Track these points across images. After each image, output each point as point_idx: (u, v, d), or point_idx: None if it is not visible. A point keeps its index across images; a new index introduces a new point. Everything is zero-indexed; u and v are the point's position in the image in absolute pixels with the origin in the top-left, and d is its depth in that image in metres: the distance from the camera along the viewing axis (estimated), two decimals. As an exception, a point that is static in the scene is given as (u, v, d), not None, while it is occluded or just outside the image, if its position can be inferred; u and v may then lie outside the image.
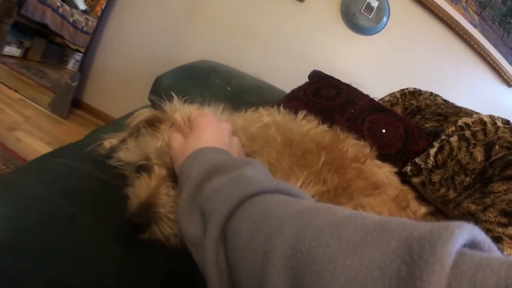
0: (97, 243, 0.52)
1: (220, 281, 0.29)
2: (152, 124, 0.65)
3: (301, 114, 0.84)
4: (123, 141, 0.68)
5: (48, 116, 1.95)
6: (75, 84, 1.93)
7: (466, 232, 0.16)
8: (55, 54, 2.77)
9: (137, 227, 0.53)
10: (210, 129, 0.52)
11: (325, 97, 1.11)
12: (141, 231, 0.54)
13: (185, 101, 0.68)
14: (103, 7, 2.03)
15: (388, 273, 0.16)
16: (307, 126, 0.79)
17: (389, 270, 0.16)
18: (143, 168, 0.60)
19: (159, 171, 0.58)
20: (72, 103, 2.02)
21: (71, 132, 1.89)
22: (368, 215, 0.22)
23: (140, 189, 0.57)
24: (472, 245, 0.17)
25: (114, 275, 0.49)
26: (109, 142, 0.68)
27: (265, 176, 0.39)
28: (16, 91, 2.00)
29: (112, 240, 0.55)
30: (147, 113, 0.66)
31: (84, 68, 2.05)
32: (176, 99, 0.67)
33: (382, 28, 1.86)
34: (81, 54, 2.62)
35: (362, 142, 0.85)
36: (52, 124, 1.91)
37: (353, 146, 0.79)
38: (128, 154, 0.66)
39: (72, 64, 2.79)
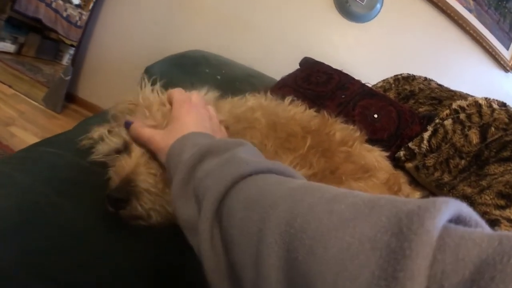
0: (78, 230, 0.52)
1: (216, 262, 0.29)
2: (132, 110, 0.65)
3: (288, 99, 0.83)
4: (110, 130, 0.68)
5: (42, 111, 1.95)
6: (68, 78, 1.93)
7: (452, 207, 0.17)
8: (50, 49, 2.75)
9: (117, 202, 0.53)
10: (189, 116, 0.52)
11: (316, 83, 1.10)
12: (121, 207, 0.53)
13: (167, 88, 0.67)
14: (94, 0, 2.02)
15: (379, 244, 0.17)
16: (293, 110, 0.78)
17: (380, 242, 0.17)
18: (123, 150, 0.61)
19: (138, 149, 0.58)
20: (66, 98, 2.02)
21: (65, 126, 1.88)
22: (359, 193, 0.23)
23: (120, 167, 0.57)
24: (458, 220, 0.18)
25: (96, 261, 0.48)
26: (97, 131, 0.68)
27: (257, 156, 0.39)
28: (10, 86, 2.00)
29: (95, 226, 0.54)
30: (126, 101, 0.66)
31: (77, 62, 2.05)
32: (148, 86, 0.67)
33: (376, 15, 1.84)
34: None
35: (351, 126, 0.84)
36: (46, 118, 1.91)
37: (341, 130, 0.78)
38: (106, 146, 0.65)
39: (66, 59, 2.77)
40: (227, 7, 1.89)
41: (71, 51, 2.74)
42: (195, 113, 0.54)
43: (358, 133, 0.82)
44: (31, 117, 1.84)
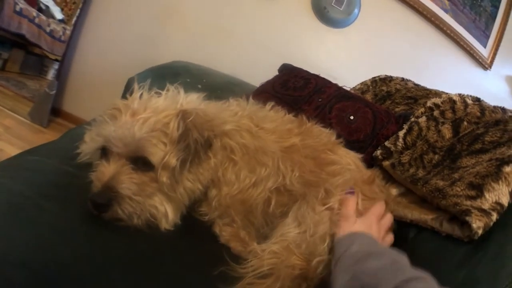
0: (61, 229, 0.53)
1: None
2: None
3: (269, 105, 0.87)
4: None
5: (28, 126, 1.95)
6: (53, 92, 1.93)
7: None
8: (34, 64, 2.74)
9: (99, 206, 0.57)
10: (374, 225, 0.64)
11: (293, 88, 1.13)
12: (103, 211, 0.58)
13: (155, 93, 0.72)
14: (76, 15, 2.04)
15: None
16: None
17: None
18: (103, 154, 0.64)
19: (117, 157, 0.62)
20: (51, 112, 2.02)
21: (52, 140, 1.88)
22: None
23: (101, 173, 0.61)
24: None
25: (75, 255, 0.50)
26: (88, 135, 0.70)
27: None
28: (-6, 102, 2.00)
29: (77, 224, 0.57)
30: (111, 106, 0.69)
31: (61, 76, 2.06)
32: (136, 90, 0.71)
33: (354, 20, 1.88)
34: (61, 64, 2.63)
35: (327, 130, 0.87)
36: (32, 133, 1.91)
37: (319, 135, 0.82)
38: (87, 145, 0.69)
39: (51, 74, 2.76)
40: (209, 18, 1.93)
41: (56, 66, 2.73)
42: (376, 222, 0.65)
43: (334, 137, 0.86)
44: (17, 132, 1.84)
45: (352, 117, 1.07)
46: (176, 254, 0.60)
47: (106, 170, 0.61)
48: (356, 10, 1.85)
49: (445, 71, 2.10)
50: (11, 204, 0.54)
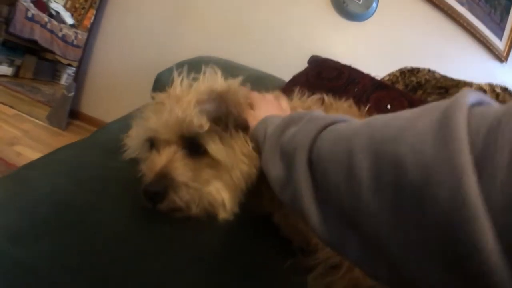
0: (114, 229, 0.50)
1: (309, 193, 0.35)
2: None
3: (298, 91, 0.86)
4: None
5: (46, 129, 1.94)
6: (71, 94, 1.92)
7: (475, 94, 0.24)
8: (47, 70, 2.75)
9: (154, 196, 0.53)
10: (266, 105, 0.66)
11: (327, 78, 1.11)
12: (159, 201, 0.53)
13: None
14: (92, 18, 2.04)
15: (434, 125, 0.23)
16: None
17: (434, 126, 0.23)
18: (153, 145, 0.61)
19: (168, 145, 0.59)
20: (69, 115, 2.01)
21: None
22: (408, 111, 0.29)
23: (152, 162, 0.57)
24: (480, 103, 0.24)
25: (134, 258, 0.47)
26: (134, 130, 0.68)
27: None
28: (11, 106, 1.98)
29: (130, 222, 0.53)
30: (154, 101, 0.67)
31: (79, 78, 2.05)
32: (176, 77, 0.68)
33: (372, 14, 1.87)
34: (74, 68, 2.62)
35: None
36: (51, 136, 1.89)
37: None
38: (134, 140, 0.66)
39: (65, 79, 2.77)
40: (227, 14, 1.92)
41: (69, 70, 2.74)
42: (266, 101, 0.67)
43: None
44: (36, 136, 1.82)
45: (389, 106, 1.05)
46: (239, 246, 0.57)
47: (157, 160, 0.57)
48: (374, 4, 1.84)
49: (462, 63, 2.08)
50: (57, 202, 0.51)
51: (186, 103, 0.59)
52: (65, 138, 1.91)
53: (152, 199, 0.54)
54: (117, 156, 0.70)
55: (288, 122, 0.47)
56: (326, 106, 0.82)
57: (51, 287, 0.38)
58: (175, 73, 0.69)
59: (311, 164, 0.36)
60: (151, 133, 0.61)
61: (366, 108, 0.89)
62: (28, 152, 1.65)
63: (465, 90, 0.24)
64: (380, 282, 0.30)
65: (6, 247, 0.40)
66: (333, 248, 0.34)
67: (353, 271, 0.54)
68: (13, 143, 1.68)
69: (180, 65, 1.26)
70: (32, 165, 0.63)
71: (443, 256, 0.20)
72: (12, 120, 1.89)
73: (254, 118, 0.61)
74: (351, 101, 0.86)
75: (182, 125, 0.58)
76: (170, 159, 0.57)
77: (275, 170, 0.44)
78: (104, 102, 2.11)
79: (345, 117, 0.40)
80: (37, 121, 1.97)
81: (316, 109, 0.61)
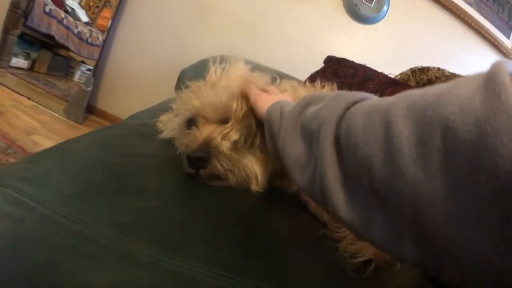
0: (162, 196, 0.53)
1: (335, 175, 0.33)
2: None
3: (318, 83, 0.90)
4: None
5: (63, 121, 1.98)
6: (89, 89, 1.96)
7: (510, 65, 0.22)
8: (61, 66, 2.79)
9: (198, 161, 0.58)
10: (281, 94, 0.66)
11: (344, 75, 1.16)
12: (202, 166, 0.58)
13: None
14: (112, 16, 2.08)
15: (479, 89, 0.22)
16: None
17: (480, 85, 0.22)
18: (190, 126, 0.67)
19: (207, 123, 0.65)
20: (85, 110, 2.06)
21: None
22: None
23: (195, 136, 0.63)
24: None
25: (186, 219, 0.48)
26: (165, 116, 0.73)
27: None
28: (29, 98, 2.02)
29: (176, 191, 0.56)
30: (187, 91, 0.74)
31: (96, 74, 2.09)
32: (212, 66, 0.75)
33: (384, 17, 1.92)
34: (87, 66, 2.67)
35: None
36: (68, 128, 1.93)
37: None
38: (173, 121, 0.73)
39: (78, 76, 2.81)
40: (242, 15, 1.98)
41: (83, 67, 2.79)
42: (287, 95, 0.66)
43: None
44: (53, 127, 1.86)
45: (404, 102, 1.09)
46: (274, 219, 0.61)
47: (199, 133, 0.64)
48: (385, 7, 1.89)
49: (471, 63, 2.11)
50: (108, 171, 0.54)
51: (224, 87, 0.67)
52: (82, 132, 1.90)
53: (196, 165, 0.59)
54: (153, 137, 0.75)
55: (309, 101, 0.45)
56: None
57: (110, 246, 0.39)
58: (211, 62, 0.74)
59: (338, 140, 0.34)
60: (194, 111, 0.67)
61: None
62: (46, 142, 1.68)
63: (497, 61, 0.23)
64: (402, 261, 0.28)
65: (59, 209, 0.42)
66: (355, 230, 0.32)
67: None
68: (30, 132, 1.72)
69: (202, 63, 1.30)
70: (74, 141, 0.66)
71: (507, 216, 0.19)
72: (30, 111, 1.93)
73: (268, 101, 0.61)
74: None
75: (223, 109, 0.65)
76: (212, 132, 0.63)
77: (294, 150, 0.42)
78: (120, 99, 2.15)
79: (371, 95, 0.38)
80: (54, 113, 2.01)
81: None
